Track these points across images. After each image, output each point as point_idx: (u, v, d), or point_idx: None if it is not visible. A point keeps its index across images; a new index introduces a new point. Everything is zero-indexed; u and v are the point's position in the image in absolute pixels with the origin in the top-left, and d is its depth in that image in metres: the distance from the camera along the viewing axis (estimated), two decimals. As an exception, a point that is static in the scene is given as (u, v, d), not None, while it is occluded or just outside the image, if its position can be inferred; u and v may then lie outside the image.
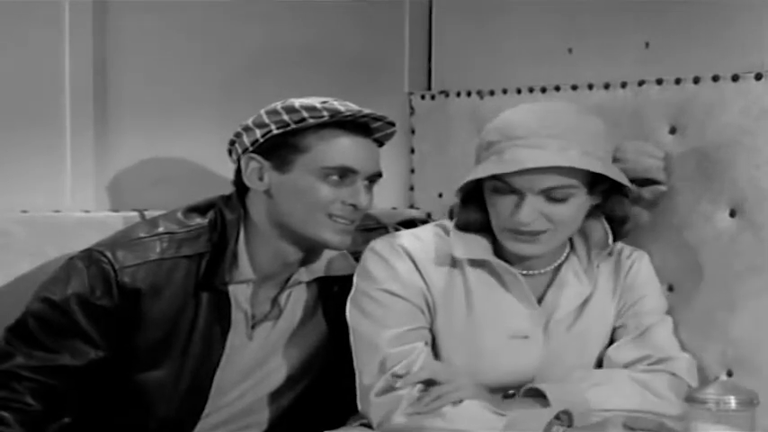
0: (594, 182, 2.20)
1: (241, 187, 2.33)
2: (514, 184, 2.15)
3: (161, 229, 2.32)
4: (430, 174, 2.99)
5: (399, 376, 2.18)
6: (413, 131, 3.04)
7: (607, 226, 2.30)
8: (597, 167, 2.15)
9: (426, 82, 3.07)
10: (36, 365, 2.23)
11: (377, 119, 2.31)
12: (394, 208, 2.94)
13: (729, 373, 2.32)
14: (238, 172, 2.32)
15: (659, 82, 2.46)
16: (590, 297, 2.31)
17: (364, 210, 2.30)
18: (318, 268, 2.39)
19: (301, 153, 2.26)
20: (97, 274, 2.25)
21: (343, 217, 2.27)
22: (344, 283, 2.34)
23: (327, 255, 2.38)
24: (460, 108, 2.88)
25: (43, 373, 2.23)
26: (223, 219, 2.32)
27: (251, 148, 2.29)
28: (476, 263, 2.28)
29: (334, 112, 2.25)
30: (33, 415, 2.23)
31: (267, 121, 2.27)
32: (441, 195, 2.94)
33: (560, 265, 2.31)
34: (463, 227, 2.28)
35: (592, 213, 2.28)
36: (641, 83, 2.49)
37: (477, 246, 2.28)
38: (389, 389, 2.19)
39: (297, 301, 2.40)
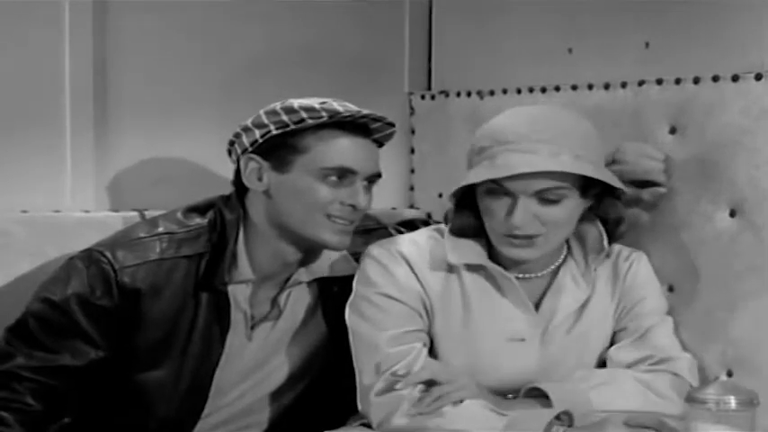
0: (587, 185, 2.20)
1: (240, 187, 2.33)
2: (507, 187, 2.15)
3: (161, 230, 2.32)
4: (430, 174, 2.99)
5: (400, 376, 2.19)
6: (413, 131, 3.04)
7: (602, 229, 2.30)
8: (589, 171, 2.15)
9: (426, 82, 3.07)
10: (36, 366, 2.23)
11: (376, 119, 2.31)
12: (394, 208, 2.94)
13: (729, 373, 2.32)
14: (238, 172, 2.32)
15: (659, 82, 2.46)
16: (588, 300, 2.31)
17: (363, 210, 2.30)
18: (318, 268, 2.39)
19: (300, 154, 2.26)
20: (97, 274, 2.25)
21: (342, 217, 2.27)
22: (344, 283, 2.34)
23: (327, 255, 2.38)
24: (460, 108, 2.88)
25: (43, 374, 2.23)
26: (222, 219, 2.32)
27: (250, 149, 2.28)
28: (472, 267, 2.29)
29: (333, 113, 2.25)
30: (33, 415, 2.23)
31: (266, 121, 2.27)
32: (441, 195, 2.93)
33: (558, 269, 2.31)
34: (458, 232, 2.29)
35: (586, 216, 2.28)
36: (641, 83, 2.49)
37: (472, 251, 2.28)
38: (390, 389, 2.20)
39: (296, 301, 2.40)
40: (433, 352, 2.29)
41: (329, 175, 2.25)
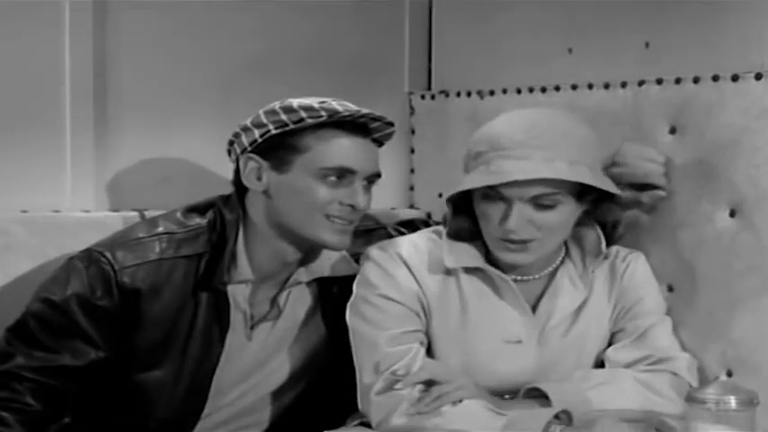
0: (583, 190, 2.21)
1: (240, 187, 2.33)
2: (503, 192, 2.16)
3: (160, 230, 2.32)
4: (430, 174, 2.99)
5: (399, 376, 2.19)
6: (413, 131, 3.04)
7: (600, 232, 2.30)
8: (584, 177, 2.16)
9: (426, 82, 3.07)
10: (36, 366, 2.23)
11: (376, 119, 2.31)
12: (393, 208, 2.94)
13: (729, 373, 2.32)
14: (237, 172, 2.32)
15: (659, 82, 2.46)
16: (585, 302, 2.32)
17: (362, 210, 2.30)
18: (317, 268, 2.39)
19: (299, 153, 2.26)
20: (97, 275, 2.25)
21: (341, 217, 2.27)
22: (344, 283, 2.35)
23: (326, 255, 2.38)
24: (460, 108, 2.88)
25: (43, 374, 2.23)
26: (222, 219, 2.32)
27: (249, 149, 2.28)
28: (469, 270, 2.30)
29: (333, 113, 2.25)
30: (34, 415, 2.23)
31: (265, 121, 2.27)
32: (441, 195, 2.93)
33: (555, 271, 2.31)
34: (455, 235, 2.29)
35: (584, 219, 2.28)
36: (641, 83, 2.49)
37: (469, 254, 2.29)
38: (390, 388, 2.20)
39: (296, 301, 2.40)
40: (430, 353, 2.29)
41: (328, 174, 2.25)
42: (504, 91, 2.77)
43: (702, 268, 2.39)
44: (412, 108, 3.04)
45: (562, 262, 2.32)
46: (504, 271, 2.28)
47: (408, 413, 2.17)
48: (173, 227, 2.33)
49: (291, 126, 2.25)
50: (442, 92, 2.97)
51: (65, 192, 2.64)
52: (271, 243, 2.32)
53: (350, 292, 2.31)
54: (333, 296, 2.40)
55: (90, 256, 2.27)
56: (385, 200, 2.78)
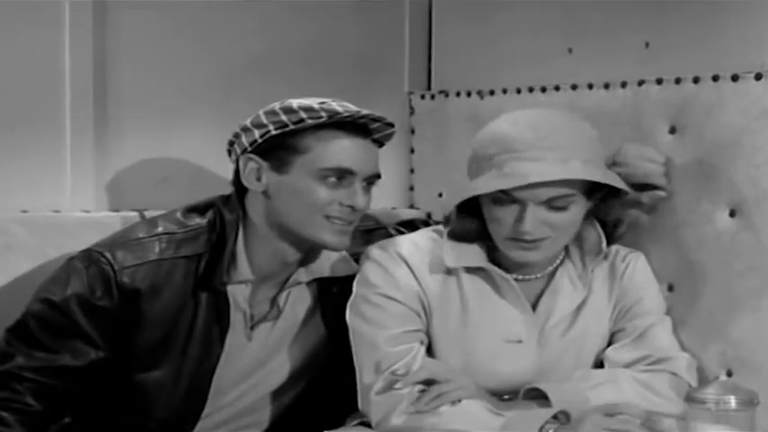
0: (592, 189, 2.21)
1: (240, 188, 2.33)
2: (516, 195, 2.15)
3: (160, 230, 2.32)
4: (430, 174, 2.99)
5: (399, 375, 2.19)
6: (413, 131, 3.04)
7: (601, 231, 2.30)
8: (597, 176, 2.16)
9: (426, 82, 3.07)
10: (36, 366, 2.23)
11: (375, 119, 2.30)
12: (394, 208, 2.94)
13: (729, 373, 2.32)
14: (237, 172, 2.32)
15: (659, 82, 2.46)
16: (585, 301, 2.31)
17: (362, 211, 2.30)
18: (317, 269, 2.39)
19: (299, 154, 2.25)
20: (97, 275, 2.25)
21: (341, 218, 2.27)
22: (343, 283, 2.35)
23: (326, 255, 2.38)
24: (460, 108, 2.88)
25: (44, 374, 2.23)
26: (222, 219, 2.32)
27: (249, 149, 2.28)
28: (470, 269, 2.29)
29: (333, 113, 2.25)
30: (34, 415, 2.23)
31: (265, 121, 2.27)
32: (441, 195, 2.94)
33: (555, 271, 2.31)
34: (458, 236, 2.28)
35: (585, 218, 2.28)
36: (641, 83, 2.49)
37: (470, 253, 2.29)
38: (390, 388, 2.20)
39: (296, 301, 2.40)
40: (430, 352, 2.29)
41: (328, 175, 2.25)
42: (504, 91, 2.77)
43: (702, 268, 2.39)
44: (412, 108, 3.04)
45: (562, 262, 2.32)
46: (505, 270, 2.27)
47: (408, 412, 2.17)
48: (172, 227, 2.33)
49: (291, 127, 2.25)
50: (441, 92, 2.96)
51: (65, 192, 2.64)
52: (270, 243, 2.32)
53: (350, 292, 2.31)
54: (332, 296, 2.40)
55: (90, 257, 2.27)
56: (385, 200, 2.78)
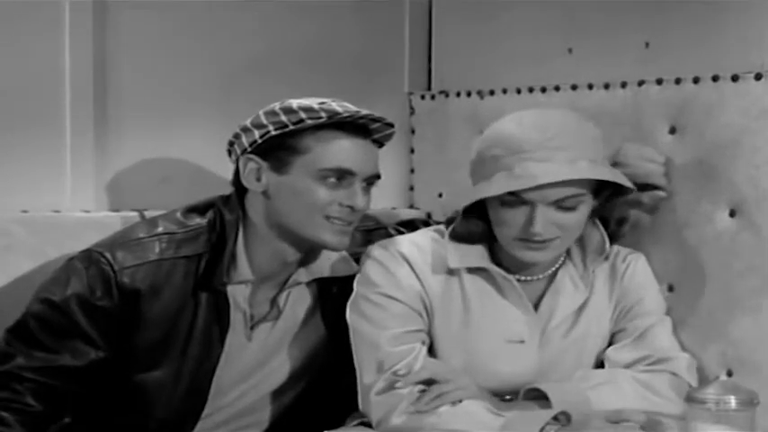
0: (599, 188, 2.21)
1: (240, 188, 2.33)
2: (526, 197, 2.14)
3: (160, 230, 2.32)
4: (430, 174, 2.99)
5: (401, 376, 2.19)
6: (413, 131, 3.04)
7: (603, 231, 2.30)
8: (609, 176, 2.16)
9: (426, 82, 3.07)
10: (36, 366, 2.23)
11: (375, 119, 2.30)
12: (394, 208, 2.94)
13: (729, 373, 2.32)
14: (237, 173, 2.32)
15: (659, 82, 2.46)
16: (586, 302, 2.32)
17: (362, 211, 2.30)
18: (317, 269, 2.39)
19: (299, 154, 2.25)
20: (97, 275, 2.25)
21: (341, 218, 2.27)
22: (343, 283, 2.35)
23: (326, 255, 2.38)
24: (460, 108, 2.88)
25: (44, 374, 2.23)
26: (222, 219, 2.32)
27: (249, 149, 2.28)
28: (472, 269, 2.29)
29: (332, 114, 2.25)
30: (34, 415, 2.23)
31: (265, 122, 2.27)
32: (441, 195, 2.94)
33: (556, 271, 2.31)
34: (462, 237, 2.28)
35: (588, 218, 2.28)
36: (641, 83, 2.49)
37: (473, 254, 2.28)
38: (390, 388, 2.20)
39: (296, 301, 2.40)
40: (431, 352, 2.29)
41: (328, 176, 2.25)
42: (504, 91, 2.77)
43: (702, 268, 2.39)
44: (412, 108, 3.04)
45: (563, 263, 2.32)
46: (507, 271, 2.27)
47: (408, 412, 2.16)
48: (172, 227, 2.33)
49: (291, 127, 2.25)
50: (441, 92, 2.96)
51: (65, 192, 2.64)
52: (270, 243, 2.32)
53: (350, 292, 2.31)
54: (332, 296, 2.40)
55: (90, 257, 2.27)
56: (385, 200, 2.78)
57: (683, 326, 2.37)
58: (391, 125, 2.34)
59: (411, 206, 3.03)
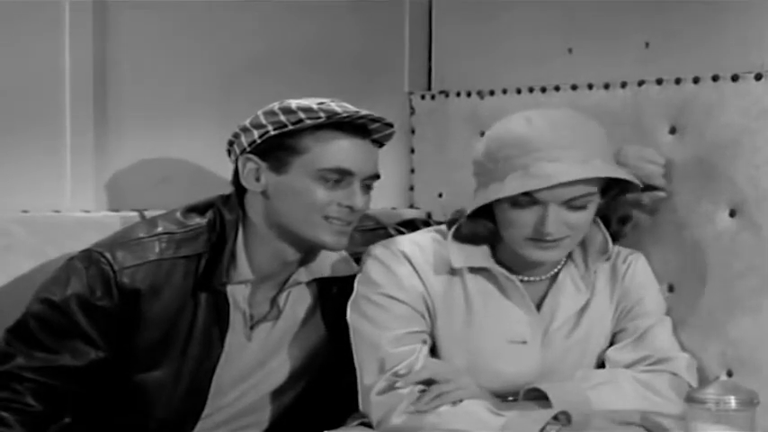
0: (607, 187, 2.21)
1: (239, 188, 2.33)
2: (538, 196, 2.14)
3: (160, 230, 2.32)
4: (430, 174, 2.99)
5: (401, 376, 2.19)
6: (413, 131, 3.04)
7: (605, 231, 2.30)
8: (621, 174, 2.16)
9: (426, 82, 3.07)
10: (36, 366, 2.23)
11: (375, 120, 2.30)
12: (394, 208, 2.94)
13: (729, 373, 2.33)
14: (236, 173, 2.32)
15: (659, 82, 2.46)
16: (588, 303, 2.32)
17: (361, 211, 2.29)
18: (317, 269, 2.39)
19: (298, 154, 2.25)
20: (96, 275, 2.25)
21: (340, 219, 2.27)
22: (343, 283, 2.35)
23: (326, 255, 2.38)
24: (460, 108, 2.88)
25: (44, 374, 2.23)
26: (222, 219, 2.32)
27: (248, 149, 2.28)
28: (474, 270, 2.29)
29: (331, 114, 2.24)
30: (34, 415, 2.23)
31: (264, 122, 2.27)
32: (441, 195, 2.94)
33: (558, 272, 2.31)
34: (467, 238, 2.27)
35: (591, 217, 2.29)
36: (641, 83, 2.49)
37: (476, 254, 2.28)
38: (390, 388, 2.20)
39: (296, 301, 2.40)
40: (434, 352, 2.29)
41: (327, 176, 2.25)
42: (504, 91, 2.77)
43: (702, 268, 2.39)
44: (412, 108, 3.04)
45: (565, 264, 2.32)
46: (510, 272, 2.27)
47: (408, 411, 2.16)
48: (172, 227, 2.33)
49: (290, 127, 2.25)
50: (442, 92, 2.96)
51: (65, 192, 2.64)
52: (270, 243, 2.32)
53: (350, 292, 2.30)
54: (332, 296, 2.40)
55: (90, 257, 2.27)
56: (385, 200, 2.78)
57: (683, 326, 2.37)
58: (391, 125, 2.33)
59: (411, 206, 3.03)
